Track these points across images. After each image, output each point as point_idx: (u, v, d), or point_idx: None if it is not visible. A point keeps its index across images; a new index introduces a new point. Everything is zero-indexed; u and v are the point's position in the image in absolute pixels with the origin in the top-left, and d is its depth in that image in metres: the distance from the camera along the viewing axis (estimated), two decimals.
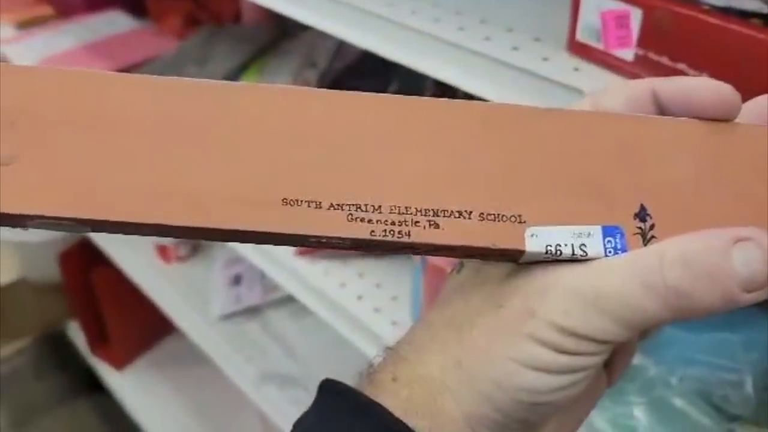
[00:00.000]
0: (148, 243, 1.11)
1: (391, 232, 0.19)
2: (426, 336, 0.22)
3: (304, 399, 1.01)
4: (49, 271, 1.31)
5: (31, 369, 1.48)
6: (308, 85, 0.84)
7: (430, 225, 0.19)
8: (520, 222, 0.19)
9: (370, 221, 0.19)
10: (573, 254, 0.19)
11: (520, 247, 0.19)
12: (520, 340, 0.19)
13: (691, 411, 0.47)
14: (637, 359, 0.51)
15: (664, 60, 0.38)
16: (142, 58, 1.01)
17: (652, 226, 0.19)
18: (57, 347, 1.48)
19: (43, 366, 1.48)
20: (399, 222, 0.19)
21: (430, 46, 0.48)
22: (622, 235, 0.19)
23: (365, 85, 0.79)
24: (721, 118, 0.20)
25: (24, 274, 1.44)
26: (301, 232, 0.18)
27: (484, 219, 0.19)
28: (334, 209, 0.18)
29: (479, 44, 0.45)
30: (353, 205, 0.19)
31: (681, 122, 0.20)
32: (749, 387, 0.47)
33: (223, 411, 1.18)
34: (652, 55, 0.39)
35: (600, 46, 0.41)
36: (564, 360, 0.19)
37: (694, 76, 0.37)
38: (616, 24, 0.39)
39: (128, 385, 1.32)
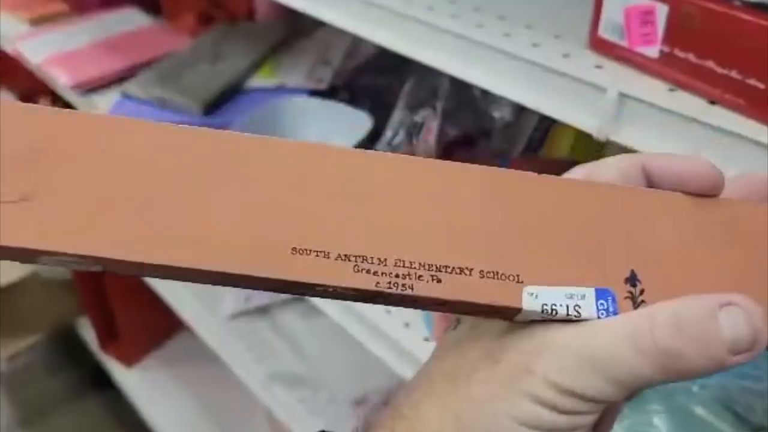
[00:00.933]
0: None
1: (395, 285, 0.19)
2: (423, 389, 0.22)
3: (313, 399, 1.01)
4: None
5: (41, 365, 1.48)
6: (322, 82, 0.84)
7: (432, 279, 0.19)
8: (518, 281, 0.20)
9: (375, 273, 0.19)
10: (567, 314, 0.20)
11: (517, 305, 0.20)
12: (517, 397, 0.20)
13: (712, 420, 0.46)
14: None
15: (691, 57, 0.37)
16: (156, 56, 1.01)
17: (641, 291, 0.20)
18: (67, 344, 1.49)
19: (54, 362, 1.49)
20: (403, 275, 0.19)
21: (448, 42, 0.47)
22: (614, 298, 0.20)
23: (380, 82, 0.78)
24: (705, 194, 0.22)
25: (35, 270, 1.44)
26: (308, 281, 0.19)
27: (484, 276, 0.20)
28: (342, 260, 0.19)
29: (498, 41, 0.44)
30: (360, 256, 0.19)
31: (669, 195, 0.22)
32: None
33: (232, 409, 1.18)
34: (678, 53, 0.37)
35: (623, 43, 0.40)
36: (559, 419, 0.20)
37: (723, 73, 0.36)
38: (641, 20, 0.38)
39: (138, 383, 1.32)
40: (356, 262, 0.19)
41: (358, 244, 0.19)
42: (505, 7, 0.49)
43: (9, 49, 1.06)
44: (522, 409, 0.20)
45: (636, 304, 0.20)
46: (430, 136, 0.64)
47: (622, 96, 0.39)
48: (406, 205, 0.20)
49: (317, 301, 0.72)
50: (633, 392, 0.20)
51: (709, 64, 0.36)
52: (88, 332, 1.42)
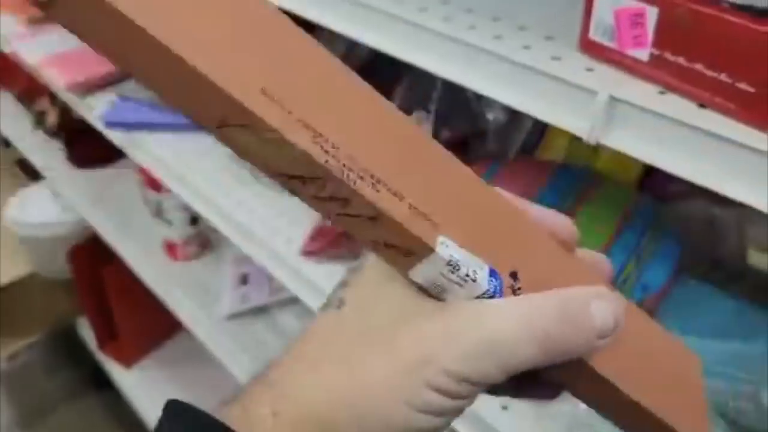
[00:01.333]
0: (157, 240, 1.11)
1: (341, 172, 0.20)
2: (308, 372, 0.22)
3: None
4: (60, 266, 1.31)
5: (40, 365, 1.48)
6: None
7: (372, 186, 0.20)
8: (436, 228, 0.21)
9: (327, 152, 0.20)
10: (467, 274, 0.21)
11: (432, 246, 0.21)
12: (415, 386, 0.21)
13: None
14: None
15: (681, 60, 0.37)
16: None
17: (519, 288, 0.23)
18: (66, 343, 1.49)
19: (53, 362, 1.49)
20: (350, 167, 0.20)
21: (439, 45, 0.46)
22: (502, 282, 0.22)
23: (376, 84, 0.78)
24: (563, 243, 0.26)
25: (34, 270, 1.44)
26: (267, 120, 0.19)
27: (411, 208, 0.21)
28: (302, 125, 0.20)
29: (490, 43, 0.44)
30: (318, 132, 0.20)
31: (547, 233, 0.26)
32: (765, 400, 0.46)
33: None
34: (668, 56, 0.37)
35: (614, 46, 0.40)
36: (453, 404, 0.21)
37: (713, 76, 0.35)
38: (631, 23, 0.38)
39: (136, 383, 1.33)
40: (315, 134, 0.20)
41: (320, 122, 0.20)
42: (499, 8, 0.49)
43: (7, 49, 1.07)
44: (421, 397, 0.21)
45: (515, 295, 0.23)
46: None
47: (613, 99, 0.38)
48: (369, 123, 0.22)
49: (312, 302, 0.72)
50: (509, 376, 0.22)
51: (699, 67, 0.36)
52: (87, 332, 1.42)
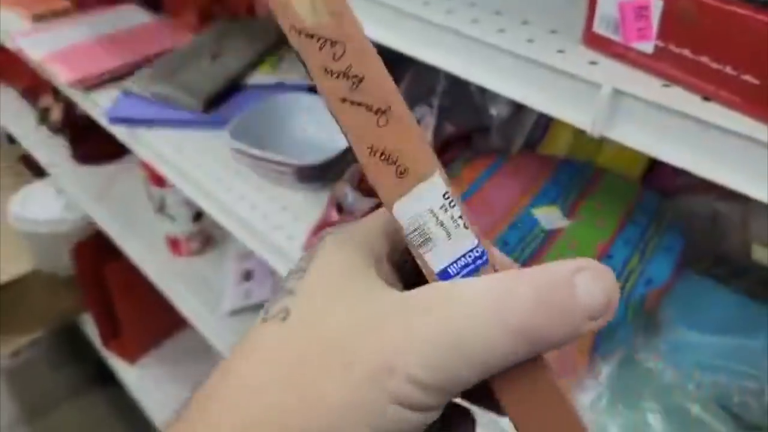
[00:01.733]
0: (160, 236, 1.11)
1: (365, 41, 0.19)
2: (252, 397, 0.19)
3: None
4: (63, 263, 1.32)
5: (44, 361, 1.49)
6: None
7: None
8: (436, 164, 0.20)
9: (354, 22, 0.19)
10: (460, 216, 0.20)
11: (433, 167, 0.19)
12: (379, 402, 0.18)
13: (707, 419, 0.45)
14: (652, 363, 0.49)
15: (686, 53, 0.36)
16: (156, 53, 1.01)
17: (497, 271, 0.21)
18: (70, 340, 1.49)
19: (57, 358, 1.49)
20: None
21: (443, 38, 0.46)
22: (487, 253, 0.20)
23: None
24: None
25: (37, 266, 1.45)
26: None
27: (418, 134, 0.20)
28: None
29: (493, 36, 0.44)
30: (350, 8, 0.19)
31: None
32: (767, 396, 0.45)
33: None
34: (672, 48, 0.37)
35: (618, 39, 0.39)
36: (421, 416, 0.19)
37: (717, 69, 0.35)
38: (636, 15, 0.38)
39: (140, 379, 1.33)
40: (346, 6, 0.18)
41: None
42: (502, 2, 0.48)
43: (10, 45, 1.07)
44: (386, 416, 0.18)
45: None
46: (426, 133, 0.64)
47: (617, 92, 0.38)
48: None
49: None
50: (486, 376, 0.19)
51: (704, 59, 0.36)
52: (90, 329, 1.42)
